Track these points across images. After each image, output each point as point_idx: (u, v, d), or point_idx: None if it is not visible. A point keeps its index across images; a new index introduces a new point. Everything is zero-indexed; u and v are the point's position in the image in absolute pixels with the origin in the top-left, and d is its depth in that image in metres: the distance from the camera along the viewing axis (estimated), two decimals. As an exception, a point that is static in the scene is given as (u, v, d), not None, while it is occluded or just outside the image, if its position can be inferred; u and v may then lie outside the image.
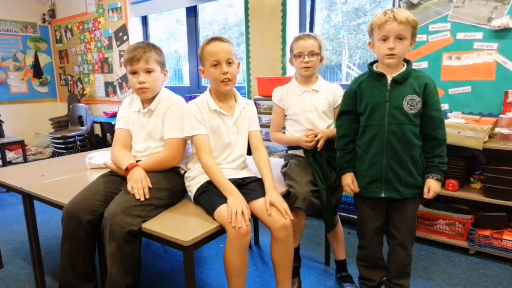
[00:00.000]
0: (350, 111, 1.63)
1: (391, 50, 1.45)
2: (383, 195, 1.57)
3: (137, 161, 1.69)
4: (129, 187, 1.47)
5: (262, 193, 1.53)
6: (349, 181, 1.64)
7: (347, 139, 1.64)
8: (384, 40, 1.46)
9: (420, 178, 1.57)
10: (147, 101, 1.72)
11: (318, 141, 1.77)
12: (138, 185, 1.47)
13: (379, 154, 1.54)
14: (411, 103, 1.48)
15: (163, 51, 1.73)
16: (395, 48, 1.44)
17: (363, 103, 1.56)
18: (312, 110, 1.83)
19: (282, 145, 1.93)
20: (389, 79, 1.51)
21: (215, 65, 1.56)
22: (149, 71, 1.64)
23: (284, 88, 1.92)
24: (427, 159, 1.56)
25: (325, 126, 1.85)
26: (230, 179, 1.59)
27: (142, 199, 1.43)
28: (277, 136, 1.95)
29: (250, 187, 1.59)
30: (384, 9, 1.48)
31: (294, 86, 1.90)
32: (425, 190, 1.54)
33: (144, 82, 1.63)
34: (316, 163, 1.81)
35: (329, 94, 1.85)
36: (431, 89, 1.50)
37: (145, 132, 1.69)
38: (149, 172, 1.58)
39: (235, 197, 1.42)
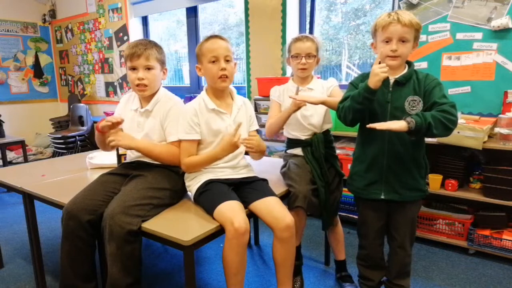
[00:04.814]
0: None
1: (393, 52, 1.45)
2: (383, 197, 1.57)
3: (136, 162, 1.70)
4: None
5: (265, 193, 1.54)
6: (376, 67, 1.38)
7: None
8: (387, 41, 1.46)
9: (422, 181, 1.57)
10: (144, 100, 1.72)
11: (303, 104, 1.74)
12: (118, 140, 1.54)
13: (379, 155, 1.54)
14: (412, 104, 1.48)
15: (163, 50, 1.74)
16: (398, 50, 1.44)
17: None
18: (307, 108, 1.84)
19: (278, 129, 1.86)
20: (391, 80, 1.51)
21: (213, 61, 1.57)
22: (148, 68, 1.64)
23: (281, 88, 1.95)
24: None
25: (321, 122, 1.87)
26: (230, 179, 1.60)
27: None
28: (271, 122, 1.89)
29: (253, 187, 1.59)
30: (388, 11, 1.48)
31: (290, 86, 1.92)
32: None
33: (143, 79, 1.63)
34: (315, 160, 1.82)
35: (323, 90, 1.88)
36: (431, 80, 1.48)
37: (143, 133, 1.69)
38: (149, 156, 1.61)
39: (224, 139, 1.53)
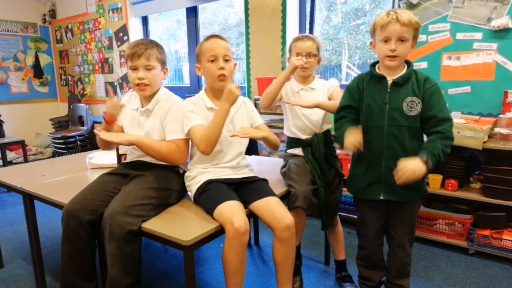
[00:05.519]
0: (352, 106, 1.58)
1: (392, 51, 1.44)
2: (382, 198, 1.57)
3: (136, 162, 1.70)
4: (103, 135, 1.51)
5: (265, 193, 1.54)
6: (352, 139, 1.43)
7: (349, 117, 1.58)
8: (386, 41, 1.45)
9: (421, 181, 1.56)
10: (145, 99, 1.72)
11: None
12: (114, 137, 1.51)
13: (378, 156, 1.54)
14: (410, 105, 1.48)
15: (164, 49, 1.74)
16: (397, 50, 1.43)
17: (364, 103, 1.56)
18: None
19: (274, 95, 1.83)
20: (390, 81, 1.51)
21: (212, 60, 1.57)
22: (149, 68, 1.64)
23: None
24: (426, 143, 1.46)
25: (321, 122, 1.87)
26: (230, 179, 1.60)
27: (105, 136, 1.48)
28: (266, 90, 1.86)
29: (253, 187, 1.59)
30: (387, 10, 1.47)
31: (292, 84, 1.93)
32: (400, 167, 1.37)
33: (143, 79, 1.62)
34: (315, 160, 1.83)
35: (323, 90, 1.89)
36: (430, 85, 1.47)
37: (143, 132, 1.68)
38: (149, 152, 1.59)
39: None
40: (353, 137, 1.44)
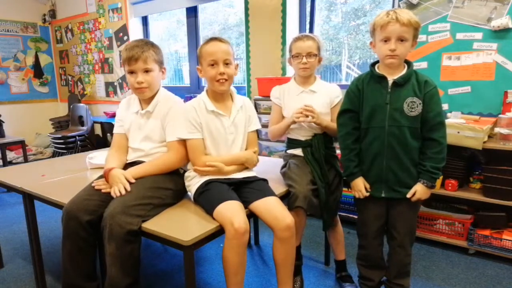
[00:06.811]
0: (352, 110, 1.60)
1: (392, 51, 1.44)
2: (383, 195, 1.58)
3: (136, 163, 1.70)
4: (112, 192, 1.49)
5: (265, 193, 1.54)
6: (361, 187, 1.60)
7: (353, 137, 1.61)
8: (385, 41, 1.45)
9: None
10: (145, 102, 1.72)
11: (307, 116, 1.76)
12: (119, 185, 1.48)
13: (379, 155, 1.55)
14: (411, 106, 1.48)
15: (161, 49, 1.72)
16: (397, 50, 1.44)
17: (365, 104, 1.56)
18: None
19: (279, 136, 1.91)
20: (390, 81, 1.51)
21: (212, 64, 1.57)
22: (147, 71, 1.64)
23: (282, 88, 1.94)
24: (420, 160, 1.53)
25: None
26: (230, 179, 1.60)
27: (123, 192, 1.46)
28: (272, 129, 1.93)
29: (253, 187, 1.59)
30: (387, 10, 1.47)
31: (292, 86, 1.91)
32: (411, 191, 1.54)
33: (142, 82, 1.62)
34: (315, 161, 1.82)
35: (326, 95, 1.87)
36: (431, 87, 1.49)
37: (143, 133, 1.69)
38: (150, 174, 1.59)
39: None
40: (360, 187, 1.61)
